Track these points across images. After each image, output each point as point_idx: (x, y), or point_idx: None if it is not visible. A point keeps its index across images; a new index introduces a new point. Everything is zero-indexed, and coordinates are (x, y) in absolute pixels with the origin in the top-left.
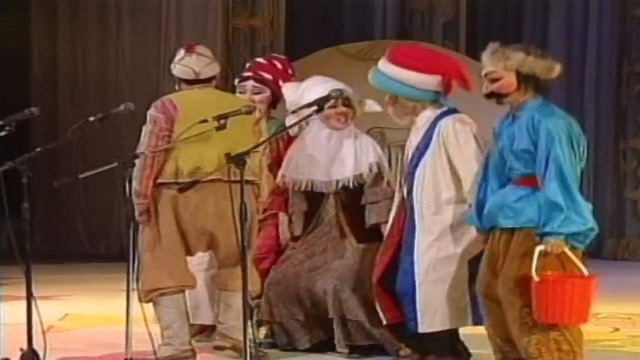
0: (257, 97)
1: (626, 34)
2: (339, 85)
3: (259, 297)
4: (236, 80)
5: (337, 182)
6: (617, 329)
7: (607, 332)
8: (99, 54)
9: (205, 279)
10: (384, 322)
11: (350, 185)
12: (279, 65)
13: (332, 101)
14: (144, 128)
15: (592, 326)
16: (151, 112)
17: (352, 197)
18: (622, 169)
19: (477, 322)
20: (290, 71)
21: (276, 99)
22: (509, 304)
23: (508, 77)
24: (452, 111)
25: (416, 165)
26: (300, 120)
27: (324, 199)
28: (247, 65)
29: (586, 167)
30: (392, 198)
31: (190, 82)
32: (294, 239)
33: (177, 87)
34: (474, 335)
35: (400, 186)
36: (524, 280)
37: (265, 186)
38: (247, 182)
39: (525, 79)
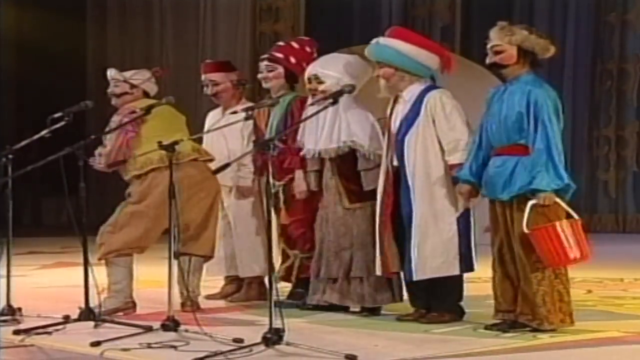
0: (270, 74)
1: (600, 37)
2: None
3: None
4: None
5: (319, 152)
6: (590, 291)
7: (581, 294)
8: (145, 54)
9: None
10: (379, 274)
11: (326, 155)
12: (296, 45)
13: (345, 95)
14: None
15: None
16: None
17: (345, 162)
18: (595, 153)
19: (465, 270)
20: (308, 49)
21: (291, 74)
22: (523, 257)
23: (510, 50)
24: (436, 86)
25: (405, 134)
26: (318, 112)
27: (325, 164)
28: None
29: (564, 152)
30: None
31: None
32: (312, 192)
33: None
34: (467, 296)
35: (388, 153)
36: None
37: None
38: None
39: (525, 54)
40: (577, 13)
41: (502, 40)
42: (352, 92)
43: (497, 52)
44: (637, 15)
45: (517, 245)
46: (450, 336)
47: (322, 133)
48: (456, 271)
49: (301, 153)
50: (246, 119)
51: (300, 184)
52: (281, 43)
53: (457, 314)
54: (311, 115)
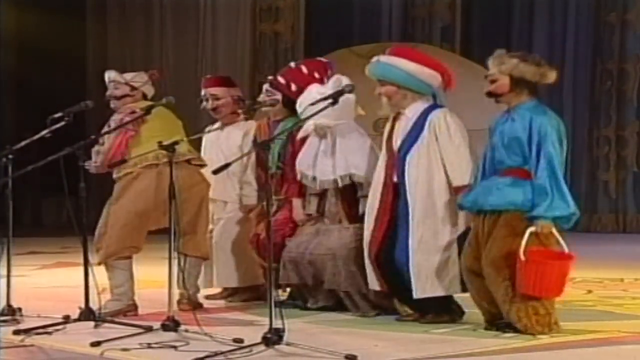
0: (267, 99)
1: (600, 37)
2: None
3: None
4: None
5: (321, 182)
6: (590, 291)
7: (581, 294)
8: (144, 54)
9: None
10: (379, 289)
11: (327, 186)
12: (305, 70)
13: (346, 95)
14: None
15: (569, 289)
16: None
17: (347, 188)
18: (595, 154)
19: (465, 289)
20: (317, 75)
21: (290, 100)
22: (492, 279)
23: (502, 79)
24: (439, 105)
25: (407, 152)
26: (315, 114)
27: (328, 189)
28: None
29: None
30: None
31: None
32: (310, 217)
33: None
34: (467, 297)
35: (387, 170)
36: (506, 257)
37: None
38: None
39: (517, 82)
40: (577, 13)
41: (495, 69)
42: (352, 92)
43: (491, 82)
44: (637, 15)
45: (485, 263)
46: (450, 336)
47: (320, 161)
48: (457, 291)
49: (298, 179)
50: (246, 119)
51: (299, 213)
52: (292, 65)
53: (456, 314)
54: (311, 115)
